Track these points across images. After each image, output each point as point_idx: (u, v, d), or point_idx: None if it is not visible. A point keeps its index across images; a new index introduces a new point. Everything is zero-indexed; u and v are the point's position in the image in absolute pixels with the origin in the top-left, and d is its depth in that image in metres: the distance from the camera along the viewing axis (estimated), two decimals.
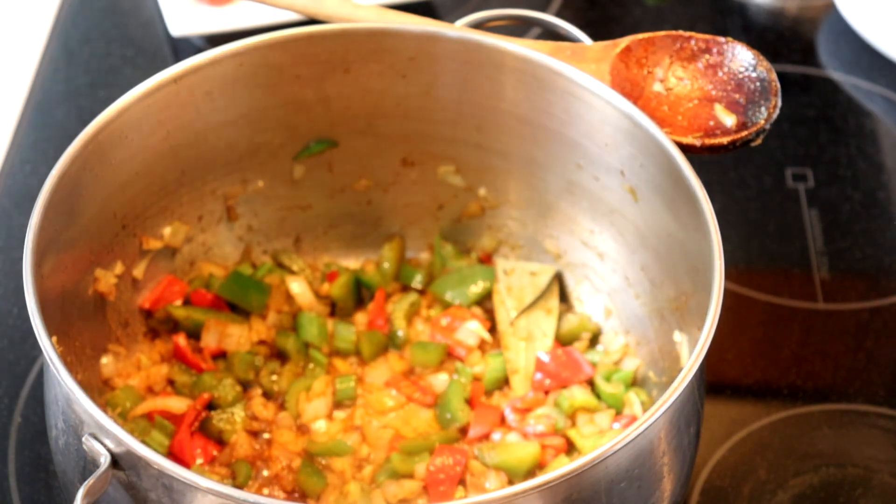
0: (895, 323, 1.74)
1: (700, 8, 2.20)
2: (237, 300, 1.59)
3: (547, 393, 1.54)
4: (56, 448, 1.34)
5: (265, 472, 1.47)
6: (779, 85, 1.47)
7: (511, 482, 1.45)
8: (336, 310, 1.63)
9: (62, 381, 1.21)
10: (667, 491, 1.33)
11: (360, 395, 1.55)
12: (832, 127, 2.01)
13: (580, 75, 1.47)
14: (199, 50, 1.68)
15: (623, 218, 1.54)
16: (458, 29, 1.54)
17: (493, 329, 1.61)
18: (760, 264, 1.82)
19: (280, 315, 1.60)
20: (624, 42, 1.50)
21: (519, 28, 1.78)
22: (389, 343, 1.60)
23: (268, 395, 1.53)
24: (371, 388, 1.56)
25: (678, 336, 1.47)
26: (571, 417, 1.52)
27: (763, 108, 1.45)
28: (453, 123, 1.59)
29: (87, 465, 1.24)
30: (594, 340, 1.61)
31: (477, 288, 1.63)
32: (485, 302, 1.63)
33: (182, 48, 2.07)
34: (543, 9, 2.14)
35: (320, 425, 1.52)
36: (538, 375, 1.55)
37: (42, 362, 1.57)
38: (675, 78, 1.50)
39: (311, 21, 1.57)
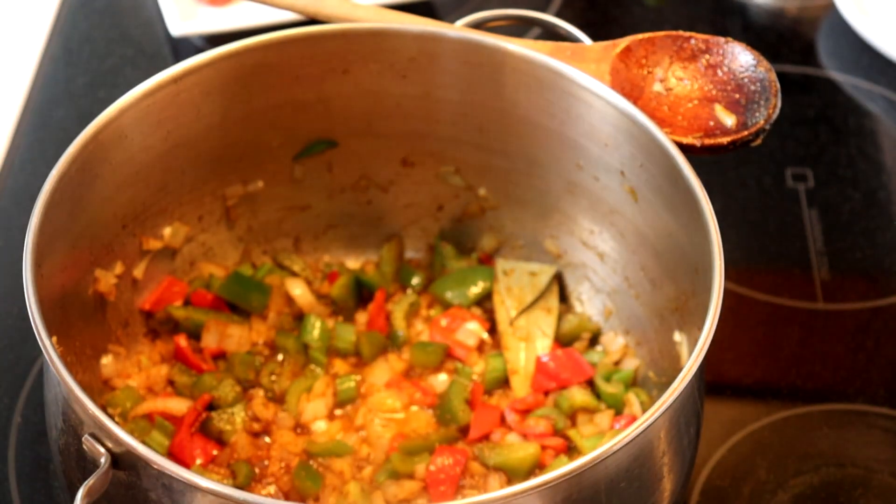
0: (895, 323, 1.74)
1: (700, 8, 2.20)
2: (237, 301, 1.60)
3: (547, 393, 1.54)
4: (56, 448, 1.34)
5: (265, 473, 1.47)
6: (779, 85, 1.47)
7: (511, 482, 1.45)
8: (336, 310, 1.63)
9: (62, 381, 1.21)
10: (667, 491, 1.33)
11: (360, 396, 1.55)
12: (832, 127, 2.01)
13: (580, 75, 1.47)
14: (199, 50, 1.68)
15: (623, 218, 1.54)
16: (459, 29, 1.54)
17: (492, 329, 1.61)
18: (760, 264, 1.82)
19: (280, 316, 1.60)
20: (624, 42, 1.51)
21: (519, 28, 1.78)
22: (389, 343, 1.60)
23: (268, 395, 1.53)
24: (371, 388, 1.56)
25: (678, 336, 1.47)
26: (571, 418, 1.52)
27: (763, 108, 1.45)
28: (453, 123, 1.59)
29: (87, 465, 1.23)
30: (594, 340, 1.61)
31: (477, 288, 1.63)
32: (485, 302, 1.63)
33: (182, 48, 2.07)
34: (543, 9, 2.14)
35: (320, 425, 1.52)
36: (538, 376, 1.55)
37: (42, 362, 1.57)
38: (675, 78, 1.50)
39: (311, 21, 1.57)
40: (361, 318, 1.62)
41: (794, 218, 1.86)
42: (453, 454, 1.46)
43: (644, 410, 1.48)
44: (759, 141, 1.45)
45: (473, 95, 1.56)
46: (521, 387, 1.56)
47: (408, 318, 1.61)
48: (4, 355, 1.66)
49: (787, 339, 1.72)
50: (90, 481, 1.17)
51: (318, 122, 1.60)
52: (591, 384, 1.55)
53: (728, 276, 1.33)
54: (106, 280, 1.48)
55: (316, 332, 1.58)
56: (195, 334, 1.56)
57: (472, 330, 1.59)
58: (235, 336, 1.56)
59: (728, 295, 1.64)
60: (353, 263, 1.69)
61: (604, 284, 1.61)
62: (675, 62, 1.51)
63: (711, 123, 1.46)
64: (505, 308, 1.61)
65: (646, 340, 1.55)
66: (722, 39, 1.50)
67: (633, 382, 1.55)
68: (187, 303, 1.59)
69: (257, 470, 1.47)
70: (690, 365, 1.24)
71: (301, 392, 1.53)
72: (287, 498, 1.45)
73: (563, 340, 1.60)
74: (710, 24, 2.16)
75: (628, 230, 1.54)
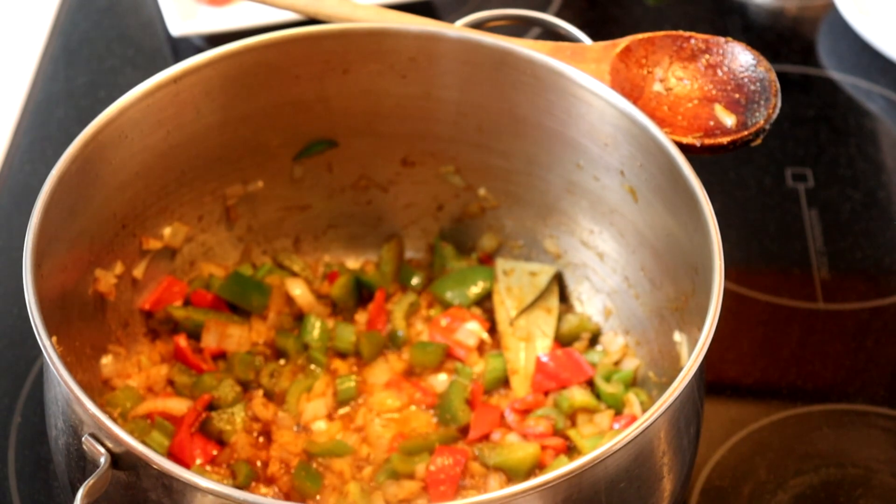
0: (895, 323, 1.74)
1: (700, 8, 2.20)
2: (237, 301, 1.59)
3: (547, 393, 1.54)
4: (56, 448, 1.34)
5: (265, 473, 1.47)
6: (779, 85, 1.47)
7: (511, 482, 1.45)
8: (336, 310, 1.63)
9: (62, 381, 1.21)
10: (667, 491, 1.33)
11: (360, 396, 1.55)
12: (832, 127, 2.01)
13: (580, 75, 1.47)
14: (199, 50, 1.68)
15: (623, 218, 1.54)
16: (458, 29, 1.54)
17: (492, 329, 1.61)
18: (760, 264, 1.82)
19: (280, 316, 1.60)
20: (624, 42, 1.51)
21: (519, 28, 1.78)
22: (389, 343, 1.60)
23: (268, 395, 1.53)
24: (371, 388, 1.56)
25: (678, 336, 1.47)
26: (571, 418, 1.52)
27: (763, 108, 1.45)
28: (453, 123, 1.59)
29: (87, 465, 1.23)
30: (594, 340, 1.61)
31: (477, 288, 1.63)
32: (485, 302, 1.63)
33: (182, 48, 2.07)
34: (543, 9, 2.14)
35: (320, 425, 1.52)
36: (538, 376, 1.55)
37: (42, 362, 1.57)
38: (675, 78, 1.50)
39: (311, 21, 1.57)
40: (361, 318, 1.62)
41: (794, 218, 1.86)
42: (453, 454, 1.46)
43: (644, 410, 1.48)
44: (759, 141, 1.45)
45: (473, 95, 1.56)
46: (521, 387, 1.56)
47: (408, 318, 1.61)
48: (4, 355, 1.66)
49: (787, 339, 1.72)
50: (90, 481, 1.17)
51: (318, 122, 1.60)
52: (590, 384, 1.55)
53: (728, 276, 1.33)
54: (106, 280, 1.48)
55: (316, 332, 1.58)
56: (195, 334, 1.56)
57: (472, 330, 1.59)
58: (235, 336, 1.56)
59: (728, 295, 1.64)
60: (353, 263, 1.69)
61: (604, 284, 1.61)
62: (675, 62, 1.51)
63: (711, 123, 1.46)
64: (505, 308, 1.61)
65: (646, 340, 1.55)
66: (722, 39, 1.50)
67: (633, 382, 1.55)
68: (187, 303, 1.59)
69: (258, 468, 1.47)
70: (690, 365, 1.24)
71: (301, 392, 1.53)
72: (287, 498, 1.45)
73: (563, 340, 1.60)
74: (710, 24, 2.16)
75: (628, 230, 1.54)
